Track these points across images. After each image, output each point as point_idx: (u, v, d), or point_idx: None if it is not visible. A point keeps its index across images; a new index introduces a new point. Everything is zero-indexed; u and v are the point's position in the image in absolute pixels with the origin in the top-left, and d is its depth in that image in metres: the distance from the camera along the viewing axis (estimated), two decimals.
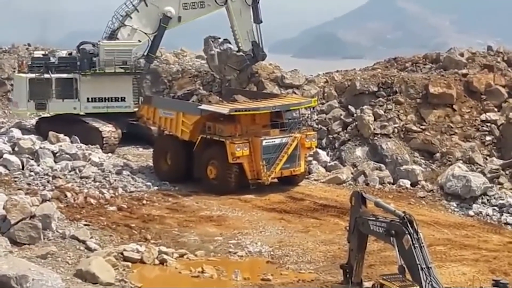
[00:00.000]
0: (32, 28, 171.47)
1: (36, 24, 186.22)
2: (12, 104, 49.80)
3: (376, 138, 40.75)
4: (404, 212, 20.31)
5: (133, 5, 46.35)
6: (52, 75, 45.31)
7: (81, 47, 46.64)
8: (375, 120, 41.48)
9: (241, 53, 47.20)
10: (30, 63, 47.09)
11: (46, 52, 49.54)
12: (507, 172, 37.59)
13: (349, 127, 42.14)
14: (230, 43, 47.42)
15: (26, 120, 50.01)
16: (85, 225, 30.78)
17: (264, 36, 47.85)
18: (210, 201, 35.41)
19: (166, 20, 46.64)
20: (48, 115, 47.13)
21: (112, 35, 46.37)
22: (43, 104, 45.33)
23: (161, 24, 46.61)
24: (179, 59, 56.58)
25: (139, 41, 46.82)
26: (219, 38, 47.26)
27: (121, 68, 45.68)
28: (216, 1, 47.17)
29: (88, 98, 45.91)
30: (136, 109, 45.67)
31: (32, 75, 45.34)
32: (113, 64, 45.34)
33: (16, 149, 39.63)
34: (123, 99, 46.37)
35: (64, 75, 45.70)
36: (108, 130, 44.26)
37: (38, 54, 49.50)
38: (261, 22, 47.31)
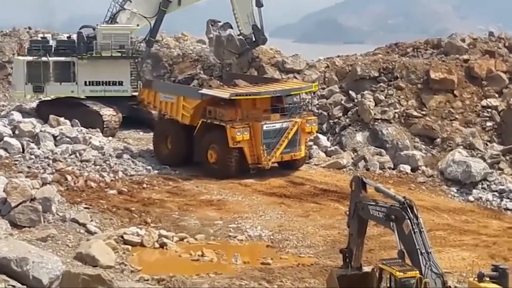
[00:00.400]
0: (33, 11, 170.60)
1: (39, 6, 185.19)
2: (11, 87, 49.78)
3: (376, 123, 40.72)
4: (404, 197, 20.32)
5: None
6: (50, 58, 45.24)
7: (78, 30, 46.52)
8: (375, 105, 41.44)
9: (241, 37, 47.03)
10: (28, 46, 46.99)
11: (46, 36, 49.40)
12: (507, 157, 37.64)
13: (349, 112, 42.10)
14: (232, 27, 47.20)
15: (27, 103, 49.97)
16: (85, 208, 30.89)
17: (265, 21, 47.63)
18: (210, 185, 35.44)
19: (165, 3, 46.43)
20: (49, 98, 47.07)
21: (112, 19, 46.23)
22: (40, 87, 45.29)
23: (160, 7, 46.40)
24: (180, 44, 56.38)
25: (138, 25, 46.63)
26: (219, 21, 47.03)
27: (118, 52, 45.53)
28: None
29: (85, 82, 45.86)
30: (134, 93, 45.57)
31: (30, 58, 45.28)
32: (110, 48, 45.20)
33: (16, 132, 39.65)
34: (120, 83, 46.28)
35: (62, 59, 45.64)
36: (108, 114, 44.22)
37: (38, 37, 49.43)
38: (262, 5, 47.02)
